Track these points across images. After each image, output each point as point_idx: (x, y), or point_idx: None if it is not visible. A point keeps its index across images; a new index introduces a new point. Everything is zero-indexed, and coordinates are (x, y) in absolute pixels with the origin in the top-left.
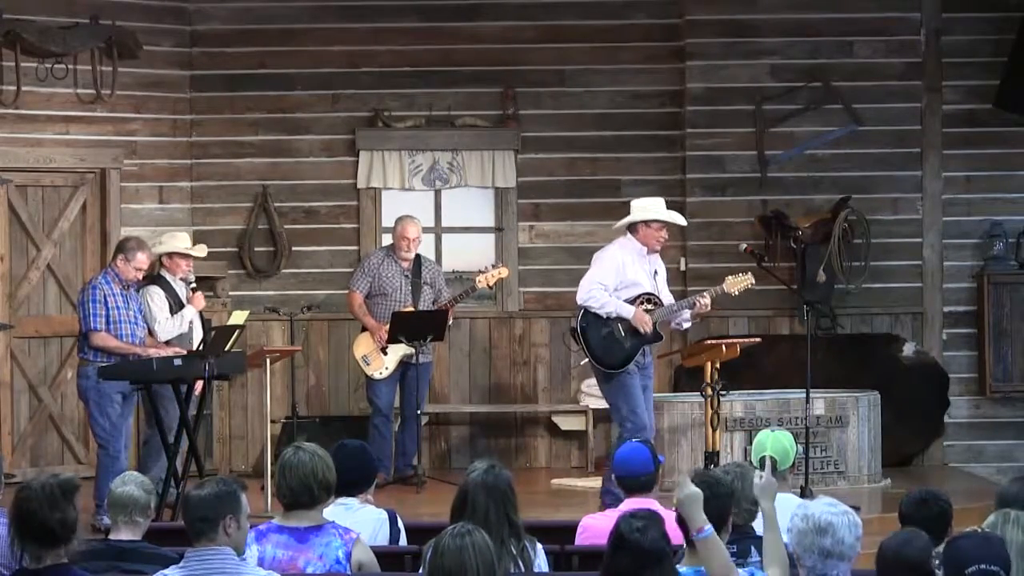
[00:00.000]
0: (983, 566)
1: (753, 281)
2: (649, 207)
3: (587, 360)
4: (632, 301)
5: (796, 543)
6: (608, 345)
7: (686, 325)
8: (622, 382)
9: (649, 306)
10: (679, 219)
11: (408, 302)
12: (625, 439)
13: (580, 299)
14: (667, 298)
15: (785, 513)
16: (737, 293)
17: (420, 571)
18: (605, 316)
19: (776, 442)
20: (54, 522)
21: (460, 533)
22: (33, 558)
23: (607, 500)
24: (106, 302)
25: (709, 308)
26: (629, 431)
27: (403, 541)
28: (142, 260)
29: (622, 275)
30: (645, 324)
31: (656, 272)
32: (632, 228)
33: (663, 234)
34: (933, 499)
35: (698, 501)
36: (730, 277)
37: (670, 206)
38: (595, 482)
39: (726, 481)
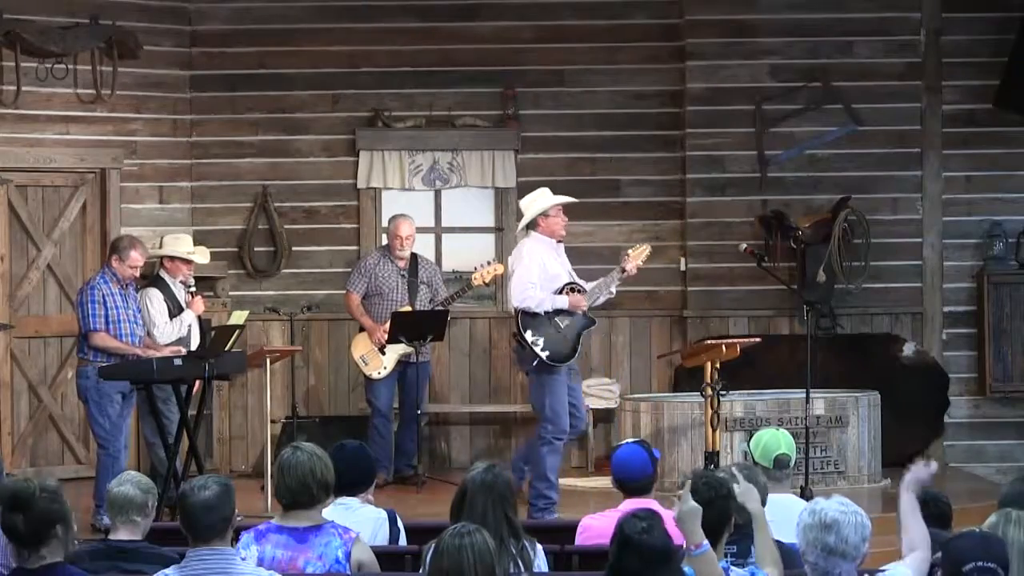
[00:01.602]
0: (980, 564)
1: (649, 250)
2: (538, 199)
3: (536, 361)
4: (558, 293)
5: (801, 538)
6: (552, 340)
7: (603, 300)
8: (552, 382)
9: (576, 294)
10: (569, 199)
11: (404, 302)
12: (545, 439)
13: (516, 302)
14: (581, 283)
15: (790, 514)
16: (640, 264)
17: (420, 571)
18: (543, 312)
19: (786, 438)
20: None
21: (460, 533)
22: (31, 557)
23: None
24: (105, 302)
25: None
26: (550, 432)
27: (403, 541)
28: (136, 258)
29: (544, 272)
30: (581, 305)
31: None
32: (532, 225)
33: (563, 218)
34: (933, 500)
35: (697, 516)
36: (630, 251)
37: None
38: (595, 482)
39: (729, 482)
